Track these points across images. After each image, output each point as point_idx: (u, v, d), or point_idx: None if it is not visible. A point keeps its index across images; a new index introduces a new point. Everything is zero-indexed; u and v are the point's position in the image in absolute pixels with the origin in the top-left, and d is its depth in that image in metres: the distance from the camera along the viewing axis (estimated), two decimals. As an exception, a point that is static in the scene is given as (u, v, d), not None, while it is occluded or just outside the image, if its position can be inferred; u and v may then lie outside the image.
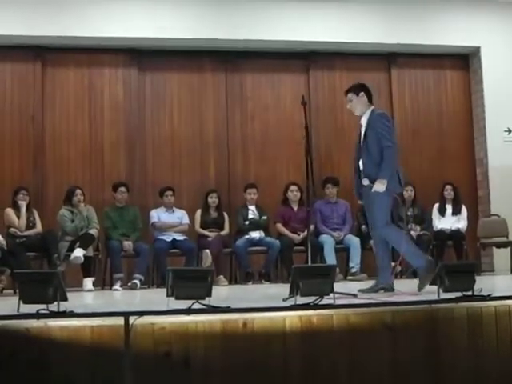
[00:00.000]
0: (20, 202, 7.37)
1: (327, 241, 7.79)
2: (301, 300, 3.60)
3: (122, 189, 7.86)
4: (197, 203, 8.24)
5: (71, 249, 7.13)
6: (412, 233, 8.07)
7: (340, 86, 9.08)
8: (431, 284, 3.85)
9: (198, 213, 8.04)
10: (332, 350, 3.73)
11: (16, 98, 8.49)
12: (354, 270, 7.72)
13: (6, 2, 8.13)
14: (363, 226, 8.12)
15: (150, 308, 4.04)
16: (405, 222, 8.21)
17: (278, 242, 7.77)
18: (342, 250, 7.94)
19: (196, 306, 3.45)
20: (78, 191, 7.53)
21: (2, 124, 8.41)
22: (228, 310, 3.58)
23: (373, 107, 5.36)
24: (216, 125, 8.94)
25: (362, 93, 5.34)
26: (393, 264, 7.73)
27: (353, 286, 6.03)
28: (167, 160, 8.80)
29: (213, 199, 8.06)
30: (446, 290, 3.75)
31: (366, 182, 5.17)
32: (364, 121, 5.29)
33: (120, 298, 6.14)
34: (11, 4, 8.13)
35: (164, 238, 7.76)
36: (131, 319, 3.42)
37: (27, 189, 7.56)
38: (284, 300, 4.02)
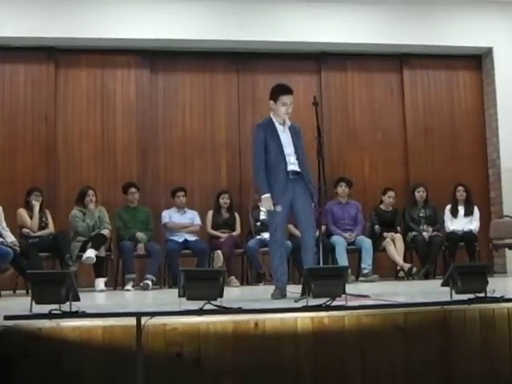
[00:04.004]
0: (33, 203, 7.40)
1: (339, 242, 7.78)
2: (312, 301, 3.59)
3: (132, 189, 7.88)
4: (208, 204, 8.26)
5: (83, 249, 7.17)
6: (424, 234, 8.04)
7: (352, 86, 9.09)
8: (444, 285, 3.83)
9: (210, 213, 8.06)
10: (344, 351, 3.72)
11: (29, 98, 8.54)
12: (365, 271, 7.71)
13: (20, 4, 8.17)
14: (376, 226, 8.11)
15: (161, 308, 4.04)
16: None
17: (289, 242, 7.76)
18: (354, 251, 7.93)
19: (208, 306, 3.44)
20: (90, 192, 7.55)
21: (15, 124, 8.46)
22: (240, 310, 3.57)
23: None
24: (228, 126, 8.95)
25: None
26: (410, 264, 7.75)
27: (365, 288, 6.03)
28: (179, 161, 8.82)
29: (224, 200, 8.07)
30: (458, 292, 3.72)
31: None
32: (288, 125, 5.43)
33: (132, 298, 6.15)
34: (24, 6, 8.17)
35: (176, 238, 7.78)
36: (143, 320, 3.42)
37: (41, 189, 7.59)
38: (296, 301, 4.01)
